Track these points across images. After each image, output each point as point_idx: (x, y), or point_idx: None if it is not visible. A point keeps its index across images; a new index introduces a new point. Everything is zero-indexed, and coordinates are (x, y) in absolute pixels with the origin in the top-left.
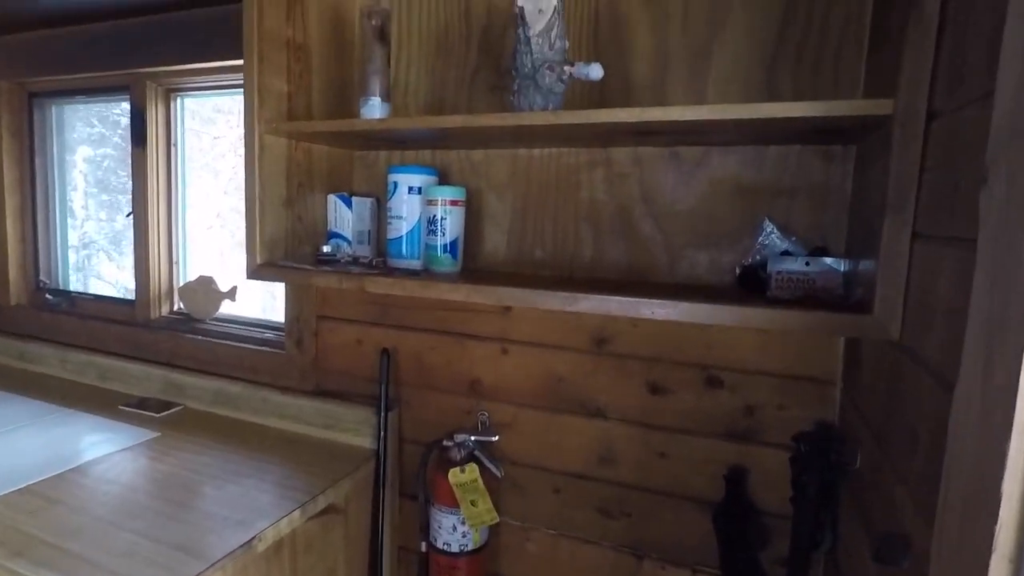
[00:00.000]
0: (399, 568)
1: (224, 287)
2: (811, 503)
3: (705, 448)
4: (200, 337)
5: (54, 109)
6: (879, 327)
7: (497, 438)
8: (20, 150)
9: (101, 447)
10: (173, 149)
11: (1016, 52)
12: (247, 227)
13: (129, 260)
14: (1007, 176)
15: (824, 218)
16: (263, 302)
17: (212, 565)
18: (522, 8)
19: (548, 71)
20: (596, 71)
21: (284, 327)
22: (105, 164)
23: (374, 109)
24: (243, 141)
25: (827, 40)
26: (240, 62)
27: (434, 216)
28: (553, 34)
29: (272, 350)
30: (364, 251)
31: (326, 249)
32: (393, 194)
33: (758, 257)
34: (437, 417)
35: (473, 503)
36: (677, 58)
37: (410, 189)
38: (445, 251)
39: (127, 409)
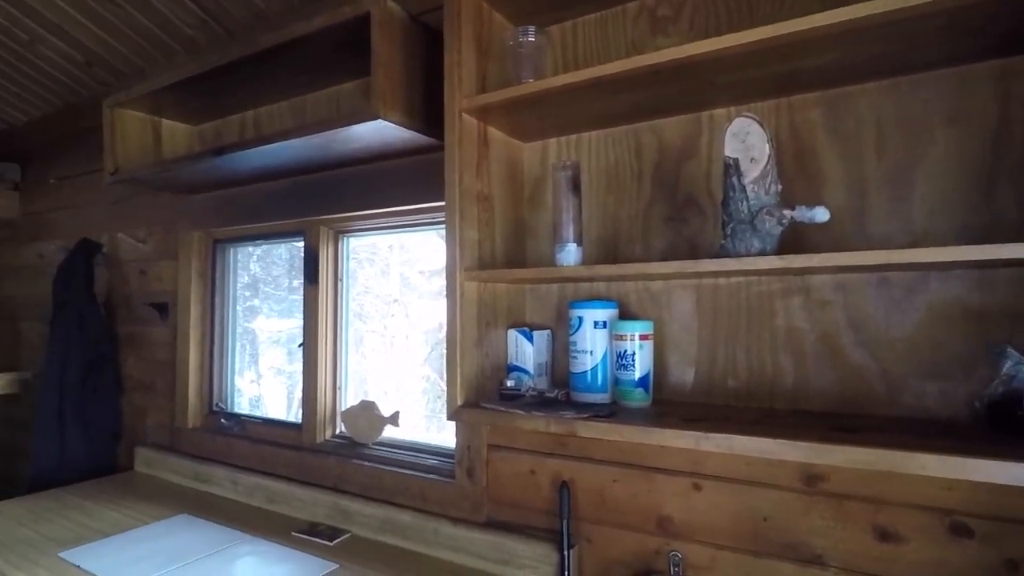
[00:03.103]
0: None
1: (386, 411)
2: None
3: None
4: (366, 463)
5: (231, 252)
6: None
7: None
8: (204, 289)
9: None
10: (340, 284)
11: None
12: (448, 370)
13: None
14: None
15: None
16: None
17: None
18: (736, 160)
19: (767, 216)
20: (822, 214)
21: (454, 455)
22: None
23: (570, 255)
24: (444, 288)
25: None
26: (397, 208)
27: (624, 351)
28: (768, 180)
29: (440, 479)
30: (542, 383)
31: (510, 383)
32: (578, 329)
33: (1001, 389)
34: (622, 556)
35: None
36: (874, 185)
37: (595, 324)
38: (637, 386)
39: (300, 536)
